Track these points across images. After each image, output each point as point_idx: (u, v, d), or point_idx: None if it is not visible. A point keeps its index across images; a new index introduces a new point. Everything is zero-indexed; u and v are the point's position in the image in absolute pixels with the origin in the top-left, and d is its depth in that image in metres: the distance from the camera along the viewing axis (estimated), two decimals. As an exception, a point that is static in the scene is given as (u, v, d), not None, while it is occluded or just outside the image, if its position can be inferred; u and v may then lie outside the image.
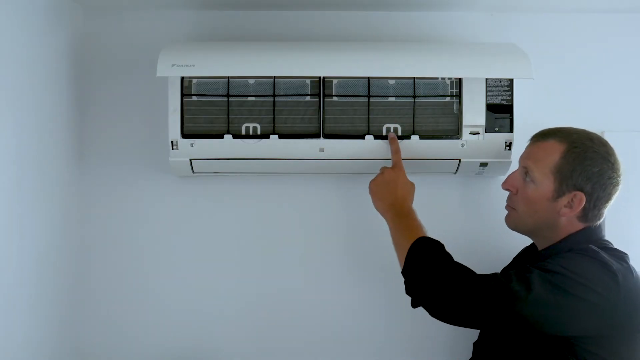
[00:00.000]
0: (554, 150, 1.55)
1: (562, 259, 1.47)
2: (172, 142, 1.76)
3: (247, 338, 1.94)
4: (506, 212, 1.67)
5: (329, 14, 1.94)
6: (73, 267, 1.90)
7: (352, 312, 1.95)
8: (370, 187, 1.71)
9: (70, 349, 1.89)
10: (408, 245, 1.53)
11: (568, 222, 1.56)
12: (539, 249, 1.63)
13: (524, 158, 1.62)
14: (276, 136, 1.76)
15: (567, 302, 1.40)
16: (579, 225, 1.56)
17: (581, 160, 1.53)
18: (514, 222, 1.64)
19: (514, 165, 1.80)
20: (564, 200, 1.54)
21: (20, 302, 1.62)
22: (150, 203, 1.93)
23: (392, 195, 1.66)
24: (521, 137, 1.78)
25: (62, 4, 1.84)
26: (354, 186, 1.93)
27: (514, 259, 1.77)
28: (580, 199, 1.52)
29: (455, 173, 1.86)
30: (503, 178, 1.87)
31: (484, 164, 1.82)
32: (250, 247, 1.94)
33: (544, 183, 1.55)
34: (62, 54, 1.84)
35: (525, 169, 1.59)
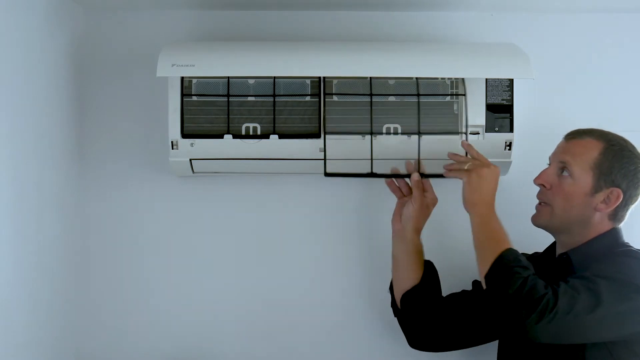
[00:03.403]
0: (593, 147, 1.57)
1: (612, 264, 1.49)
2: (172, 142, 1.76)
3: (247, 340, 1.93)
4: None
5: (329, 14, 1.94)
6: (72, 267, 1.90)
7: (354, 313, 1.94)
8: (470, 176, 1.62)
9: (70, 350, 1.89)
10: (496, 252, 1.50)
11: (600, 219, 1.57)
12: (564, 249, 1.61)
13: (559, 154, 1.62)
14: (276, 136, 1.76)
15: (628, 308, 1.43)
16: (608, 225, 1.58)
17: (619, 157, 1.56)
18: (546, 218, 1.62)
19: (514, 165, 1.81)
20: (601, 196, 1.56)
21: (19, 303, 1.62)
22: (150, 203, 1.93)
23: (490, 191, 1.62)
24: (521, 137, 1.78)
25: (63, 4, 1.84)
26: (353, 186, 1.93)
27: None
28: (618, 195, 1.55)
29: (455, 173, 1.86)
30: (503, 178, 1.88)
31: (484, 164, 1.82)
32: (250, 247, 1.93)
33: (583, 178, 1.56)
34: (62, 54, 1.84)
35: (562, 164, 1.59)
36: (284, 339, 1.93)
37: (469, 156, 1.71)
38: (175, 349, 1.93)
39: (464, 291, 1.78)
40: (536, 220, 1.65)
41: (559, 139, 1.66)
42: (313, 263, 1.94)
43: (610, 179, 1.55)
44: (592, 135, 1.59)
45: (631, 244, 1.59)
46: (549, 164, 1.64)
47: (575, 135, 1.62)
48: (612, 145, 1.57)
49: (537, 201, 1.65)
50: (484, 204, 1.59)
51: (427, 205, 1.76)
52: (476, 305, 1.71)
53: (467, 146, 1.72)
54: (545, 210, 1.62)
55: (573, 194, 1.57)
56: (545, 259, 1.68)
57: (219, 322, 1.93)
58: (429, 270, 1.76)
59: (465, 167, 1.64)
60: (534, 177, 1.64)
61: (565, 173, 1.58)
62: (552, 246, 1.69)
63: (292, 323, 1.93)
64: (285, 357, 1.94)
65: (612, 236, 1.58)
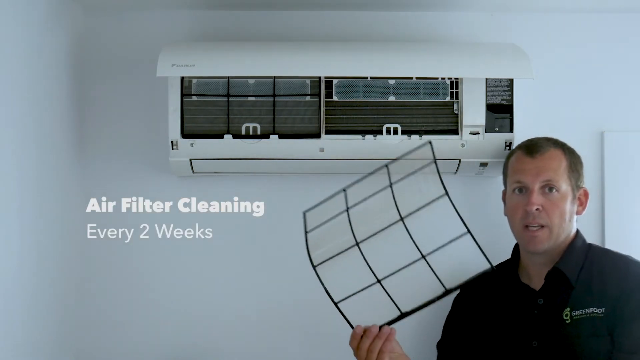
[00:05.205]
0: (559, 156, 1.60)
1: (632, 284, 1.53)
2: (172, 142, 1.76)
3: (247, 341, 1.93)
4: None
5: (329, 14, 1.94)
6: (72, 267, 1.90)
7: (355, 313, 1.94)
8: None
9: (70, 350, 1.89)
10: None
11: (574, 223, 1.62)
12: (547, 266, 1.60)
13: (540, 174, 1.59)
14: (276, 136, 1.76)
15: None
16: (575, 226, 1.63)
17: (575, 158, 1.62)
18: (547, 240, 1.59)
19: (514, 165, 1.81)
20: (576, 200, 1.61)
21: (19, 302, 1.62)
22: (150, 203, 1.93)
23: None
24: (521, 137, 1.78)
25: (62, 4, 1.84)
26: (354, 186, 1.92)
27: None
28: (586, 193, 1.63)
29: (455, 173, 1.87)
30: (502, 179, 1.88)
31: (484, 164, 1.82)
32: (250, 247, 1.94)
33: (566, 189, 1.59)
34: (62, 53, 1.84)
35: (546, 183, 1.58)
36: (283, 340, 1.93)
37: None
38: (175, 349, 1.93)
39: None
40: (538, 246, 1.59)
41: (558, 138, 1.66)
42: (313, 263, 1.94)
43: (580, 181, 1.61)
44: (549, 144, 1.62)
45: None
46: (528, 187, 1.59)
47: (538, 150, 1.61)
48: (566, 149, 1.62)
49: None
50: None
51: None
52: None
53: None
54: (544, 232, 1.59)
55: (564, 207, 1.59)
56: (510, 280, 1.67)
57: (219, 323, 1.93)
58: None
59: None
60: None
61: (548, 190, 1.58)
62: (512, 266, 1.69)
63: (292, 324, 1.93)
64: (285, 357, 1.94)
65: (580, 236, 1.63)
